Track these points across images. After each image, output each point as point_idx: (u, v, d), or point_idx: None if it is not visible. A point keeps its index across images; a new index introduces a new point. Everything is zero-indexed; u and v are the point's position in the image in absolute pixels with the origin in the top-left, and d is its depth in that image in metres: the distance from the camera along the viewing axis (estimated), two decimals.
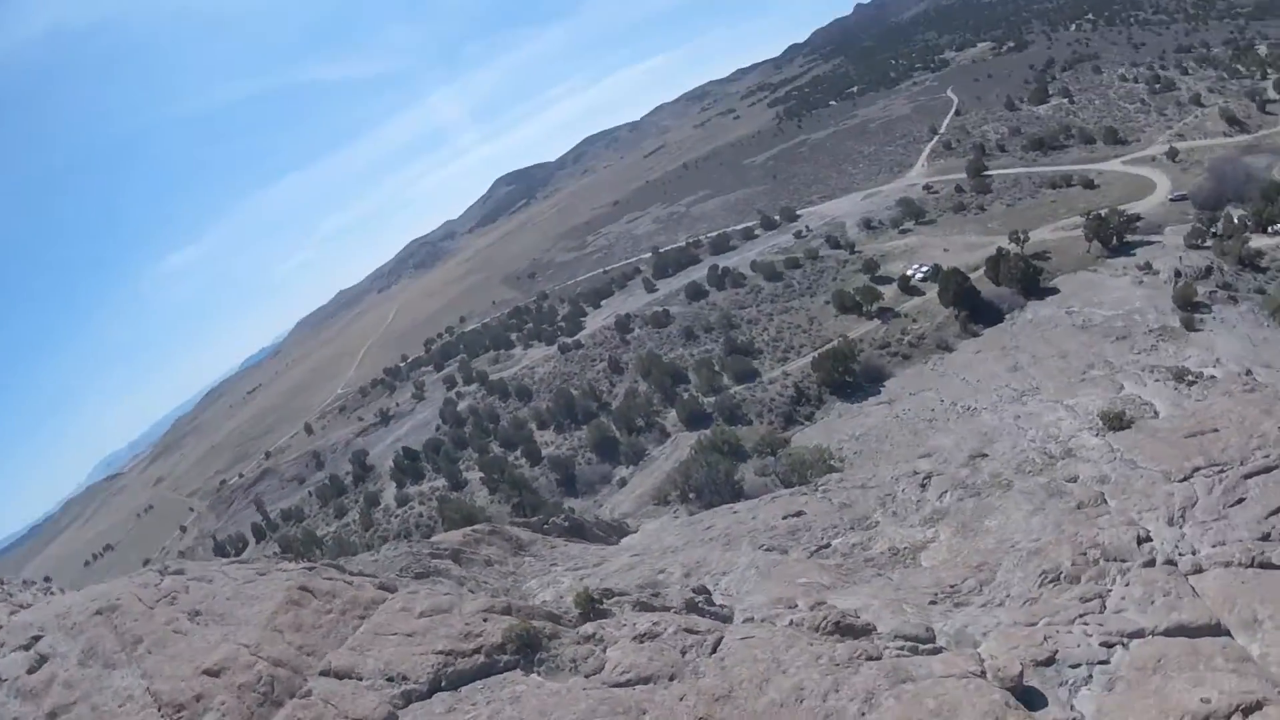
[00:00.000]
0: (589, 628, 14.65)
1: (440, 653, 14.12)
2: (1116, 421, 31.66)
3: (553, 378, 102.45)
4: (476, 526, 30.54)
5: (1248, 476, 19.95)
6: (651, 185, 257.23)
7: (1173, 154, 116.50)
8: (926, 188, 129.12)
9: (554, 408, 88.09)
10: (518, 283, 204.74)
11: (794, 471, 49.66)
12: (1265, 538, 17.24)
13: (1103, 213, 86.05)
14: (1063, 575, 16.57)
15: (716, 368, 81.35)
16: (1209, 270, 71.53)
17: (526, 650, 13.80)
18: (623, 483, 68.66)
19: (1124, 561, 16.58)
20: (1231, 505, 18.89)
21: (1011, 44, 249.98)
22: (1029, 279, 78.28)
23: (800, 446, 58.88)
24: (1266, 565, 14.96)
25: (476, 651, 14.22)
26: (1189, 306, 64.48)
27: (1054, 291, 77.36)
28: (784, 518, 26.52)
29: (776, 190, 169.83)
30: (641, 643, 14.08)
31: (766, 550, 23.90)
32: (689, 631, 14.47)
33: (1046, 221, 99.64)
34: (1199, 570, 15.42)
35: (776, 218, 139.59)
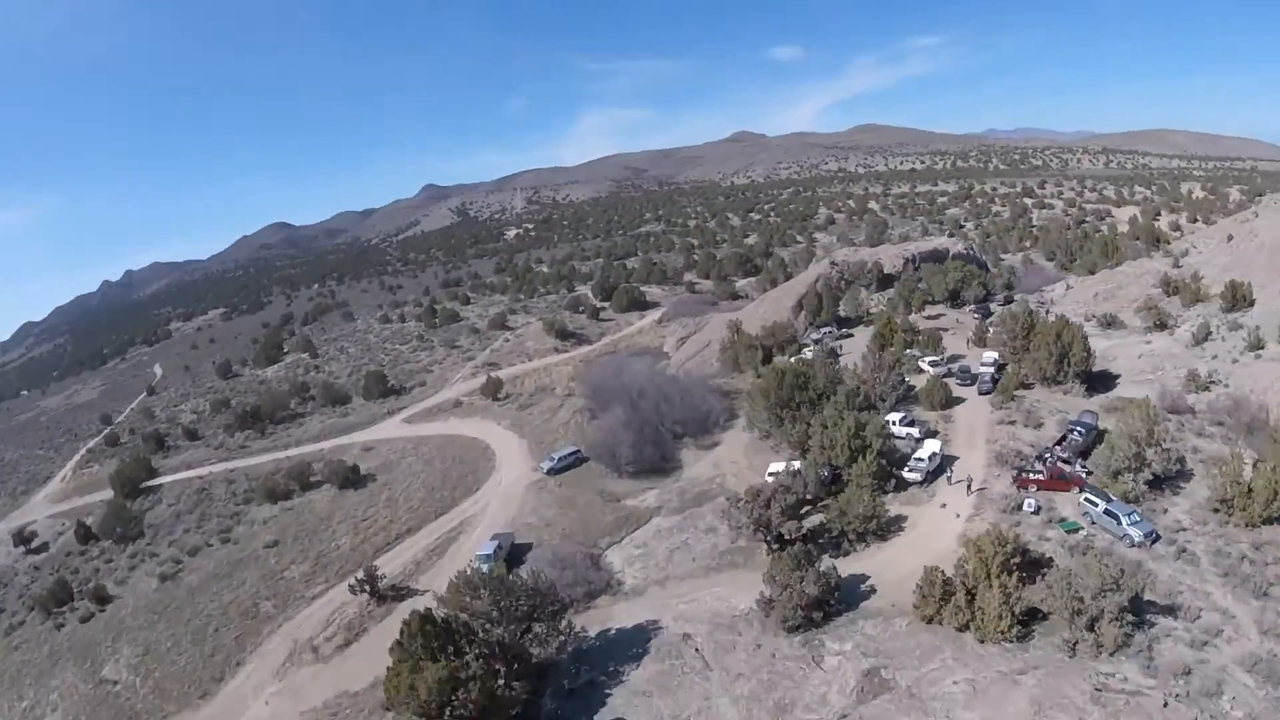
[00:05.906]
0: None
1: None
2: None
3: None
4: None
5: None
6: None
7: (494, 388, 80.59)
8: (25, 539, 68.98)
9: None
10: None
11: None
12: None
13: (435, 602, 38.01)
14: None
15: None
16: None
17: None
18: None
19: None
20: None
21: (245, 308, 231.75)
22: None
23: None
24: None
25: None
26: None
27: None
28: None
29: None
30: None
31: None
32: None
33: (279, 612, 46.87)
34: None
35: None
